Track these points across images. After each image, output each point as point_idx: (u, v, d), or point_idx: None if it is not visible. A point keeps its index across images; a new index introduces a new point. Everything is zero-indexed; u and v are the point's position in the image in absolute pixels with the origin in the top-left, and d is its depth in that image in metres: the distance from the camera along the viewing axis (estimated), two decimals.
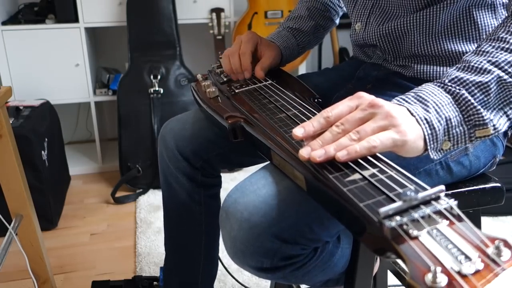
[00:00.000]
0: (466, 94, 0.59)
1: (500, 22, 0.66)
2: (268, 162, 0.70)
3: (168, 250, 1.10)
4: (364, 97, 0.58)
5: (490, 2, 0.80)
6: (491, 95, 0.60)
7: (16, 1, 2.33)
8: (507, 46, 0.62)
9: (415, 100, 0.59)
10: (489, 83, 0.60)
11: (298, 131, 0.57)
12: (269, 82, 0.87)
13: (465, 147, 0.77)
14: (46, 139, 1.86)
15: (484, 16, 0.81)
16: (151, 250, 1.66)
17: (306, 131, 0.57)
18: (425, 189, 0.46)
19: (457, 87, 0.60)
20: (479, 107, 0.59)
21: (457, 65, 0.63)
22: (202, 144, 0.94)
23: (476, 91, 0.60)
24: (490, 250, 0.38)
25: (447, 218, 0.43)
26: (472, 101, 0.59)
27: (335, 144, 0.54)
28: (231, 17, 2.30)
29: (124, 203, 2.05)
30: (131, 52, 2.16)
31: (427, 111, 0.58)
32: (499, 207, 0.85)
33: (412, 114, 0.57)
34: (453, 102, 0.59)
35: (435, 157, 0.60)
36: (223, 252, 0.74)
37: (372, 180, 0.50)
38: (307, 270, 0.71)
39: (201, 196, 1.00)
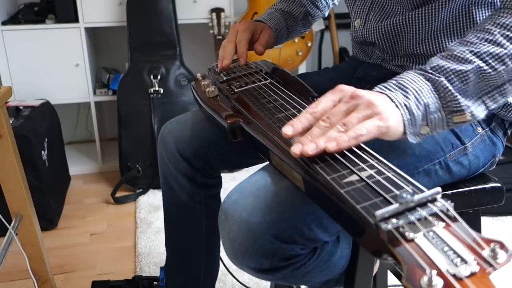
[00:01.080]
0: (445, 82, 0.61)
1: (490, 14, 0.67)
2: (268, 162, 0.70)
3: (169, 250, 1.10)
4: (346, 90, 0.60)
5: (490, 0, 0.79)
6: (470, 84, 0.61)
7: (16, 1, 2.33)
8: (491, 37, 0.63)
9: (396, 87, 0.61)
10: (468, 73, 0.61)
11: (288, 130, 0.59)
12: (269, 81, 0.87)
13: (464, 147, 0.78)
14: (46, 139, 1.86)
15: (484, 14, 0.80)
16: (151, 250, 1.66)
17: (295, 129, 0.59)
18: (422, 191, 0.46)
19: (437, 75, 0.62)
20: (456, 94, 0.61)
21: (441, 53, 0.65)
22: (202, 145, 0.94)
23: (455, 79, 0.61)
24: (486, 253, 0.38)
25: (443, 220, 0.43)
26: (450, 88, 0.61)
27: (325, 137, 0.56)
28: (231, 17, 2.30)
29: (124, 203, 2.05)
30: (131, 52, 2.16)
31: (407, 97, 0.60)
32: (499, 207, 0.85)
33: (392, 100, 0.59)
34: (432, 89, 0.61)
35: (413, 141, 0.61)
36: (222, 251, 0.74)
37: (369, 181, 0.50)
38: (307, 270, 0.71)
39: (202, 196, 1.00)
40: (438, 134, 0.66)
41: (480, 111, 0.63)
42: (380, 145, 0.71)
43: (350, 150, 0.56)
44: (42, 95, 2.15)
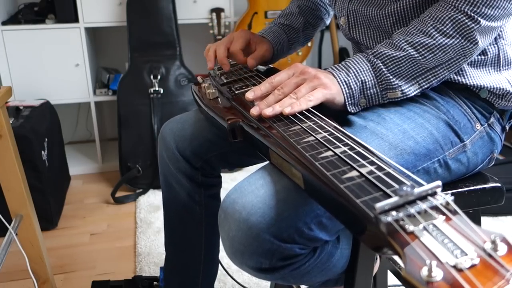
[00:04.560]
0: (381, 64, 0.74)
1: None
2: (267, 162, 0.70)
3: (169, 250, 1.10)
4: (298, 66, 0.74)
5: None
6: (403, 67, 0.74)
7: (16, 1, 2.33)
8: (425, 29, 0.73)
9: (341, 68, 0.75)
10: (401, 59, 0.74)
11: (250, 94, 0.74)
12: None
13: (463, 145, 0.79)
14: (46, 139, 1.86)
15: None
16: (151, 250, 1.66)
17: (256, 94, 0.74)
18: (421, 185, 0.46)
19: (376, 59, 0.75)
20: (388, 74, 0.74)
21: (385, 41, 0.77)
22: (202, 145, 0.94)
23: (390, 63, 0.74)
24: (487, 245, 0.38)
25: (443, 214, 0.42)
26: (384, 70, 0.74)
27: (280, 103, 0.70)
28: (231, 17, 2.30)
29: (124, 203, 2.05)
30: (131, 52, 2.16)
31: (348, 75, 0.74)
32: (499, 207, 0.85)
33: (335, 77, 0.73)
34: (371, 69, 0.74)
35: (352, 111, 0.75)
36: (222, 252, 0.74)
37: (369, 177, 0.50)
38: (306, 270, 0.71)
39: (202, 196, 1.00)
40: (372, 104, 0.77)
41: (412, 90, 0.76)
42: (380, 144, 0.71)
43: (354, 149, 0.57)
44: (42, 95, 2.15)
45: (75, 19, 2.13)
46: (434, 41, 0.72)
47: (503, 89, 0.81)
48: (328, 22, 1.14)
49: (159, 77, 2.14)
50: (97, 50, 2.50)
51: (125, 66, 2.28)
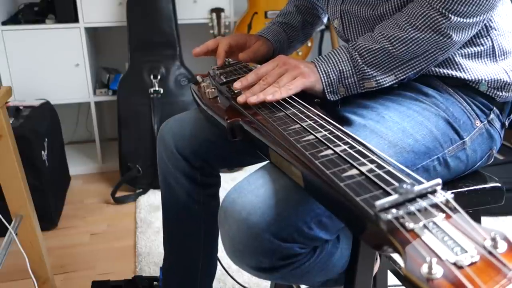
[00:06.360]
0: (357, 56, 0.78)
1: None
2: (267, 162, 0.70)
3: (167, 249, 1.10)
4: (281, 58, 0.81)
5: None
6: (378, 59, 0.78)
7: (16, 1, 2.33)
8: (400, 23, 0.77)
9: (323, 58, 0.80)
10: (376, 50, 0.78)
11: (237, 84, 0.79)
12: None
13: (463, 142, 0.79)
14: (46, 139, 1.86)
15: None
16: (151, 250, 1.66)
17: (243, 84, 0.79)
18: (421, 183, 0.46)
19: (353, 50, 0.79)
20: (363, 65, 0.78)
21: (367, 34, 0.82)
22: (201, 144, 0.95)
23: (366, 54, 0.78)
24: (487, 243, 0.38)
25: (443, 211, 0.42)
26: (359, 61, 0.78)
27: (264, 92, 0.75)
28: (231, 17, 2.30)
29: (124, 203, 2.05)
30: (131, 52, 2.16)
31: (328, 65, 0.79)
32: (499, 207, 0.85)
33: (316, 66, 0.79)
34: (349, 60, 0.79)
35: (331, 99, 0.80)
36: (222, 252, 0.74)
37: (369, 175, 0.50)
38: (306, 270, 0.71)
39: (200, 195, 1.00)
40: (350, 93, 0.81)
41: (387, 81, 0.79)
42: (379, 142, 0.72)
43: (354, 148, 0.57)
44: (42, 95, 2.15)
45: (75, 19, 2.13)
46: (407, 35, 0.76)
47: (501, 80, 0.81)
48: (325, 21, 1.14)
49: (159, 77, 2.14)
50: (97, 50, 2.50)
51: (125, 66, 2.28)
